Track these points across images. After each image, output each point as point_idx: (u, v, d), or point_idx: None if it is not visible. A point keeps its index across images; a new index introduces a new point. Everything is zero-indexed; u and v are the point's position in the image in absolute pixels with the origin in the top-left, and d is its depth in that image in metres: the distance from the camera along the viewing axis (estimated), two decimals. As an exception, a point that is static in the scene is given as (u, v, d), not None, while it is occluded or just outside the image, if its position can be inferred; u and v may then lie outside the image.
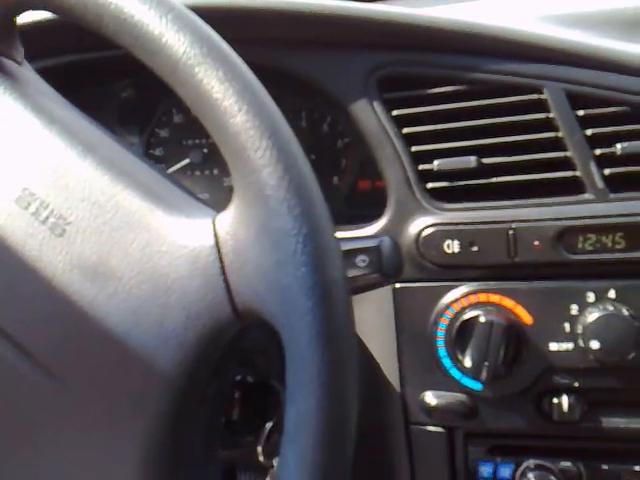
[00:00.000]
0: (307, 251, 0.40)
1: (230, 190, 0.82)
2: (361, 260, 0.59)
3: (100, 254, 0.45)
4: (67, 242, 0.45)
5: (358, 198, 0.81)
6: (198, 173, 0.85)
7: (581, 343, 0.62)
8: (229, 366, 0.52)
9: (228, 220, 0.43)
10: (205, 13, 0.43)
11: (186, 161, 0.85)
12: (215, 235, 0.43)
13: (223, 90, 0.40)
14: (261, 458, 0.60)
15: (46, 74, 0.55)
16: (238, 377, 0.58)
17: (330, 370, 0.40)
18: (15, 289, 0.47)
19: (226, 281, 0.43)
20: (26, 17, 0.51)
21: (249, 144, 0.40)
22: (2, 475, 0.53)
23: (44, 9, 0.46)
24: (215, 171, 0.85)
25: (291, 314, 0.40)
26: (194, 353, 0.44)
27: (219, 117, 0.40)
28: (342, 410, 0.41)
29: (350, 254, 0.61)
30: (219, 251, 0.43)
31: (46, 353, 0.47)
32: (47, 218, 0.46)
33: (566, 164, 0.63)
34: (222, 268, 0.43)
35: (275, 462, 0.63)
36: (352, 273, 0.61)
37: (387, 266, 0.61)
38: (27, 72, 0.52)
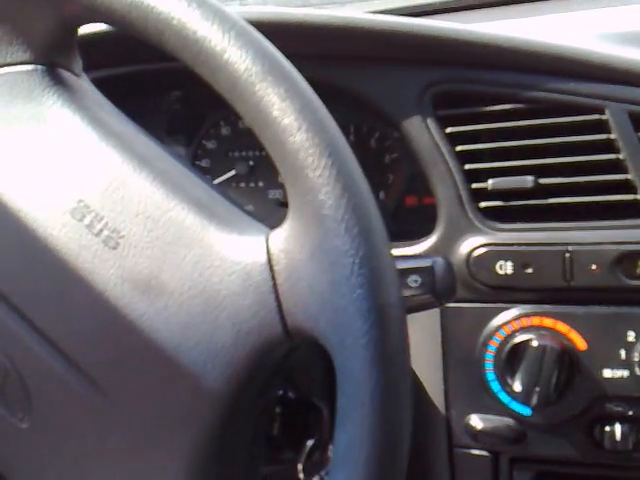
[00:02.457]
0: (363, 272, 0.39)
1: (275, 203, 0.83)
2: (413, 280, 0.58)
3: (152, 268, 0.45)
4: (120, 255, 0.45)
5: (405, 214, 0.80)
6: (243, 185, 0.85)
7: (637, 371, 0.60)
8: (275, 383, 0.51)
9: (282, 238, 0.42)
10: (260, 28, 0.43)
11: (232, 173, 0.85)
12: (268, 252, 0.42)
13: (284, 108, 0.40)
14: (301, 476, 0.60)
15: (96, 85, 0.55)
16: (280, 392, 0.58)
17: (384, 394, 0.39)
18: (66, 300, 0.47)
19: (278, 300, 0.42)
20: (82, 29, 0.52)
21: (308, 162, 0.39)
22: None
23: (105, 22, 0.47)
24: (260, 183, 0.85)
25: (345, 336, 0.39)
26: (243, 370, 0.44)
27: (278, 134, 0.40)
28: (395, 436, 0.40)
29: (402, 274, 0.60)
30: (272, 269, 0.42)
31: (94, 365, 0.47)
32: (101, 231, 0.46)
33: (627, 187, 0.62)
34: (274, 286, 0.42)
35: (315, 480, 0.62)
36: (403, 293, 0.60)
37: (440, 287, 0.60)
38: (85, 84, 0.52)
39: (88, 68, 0.54)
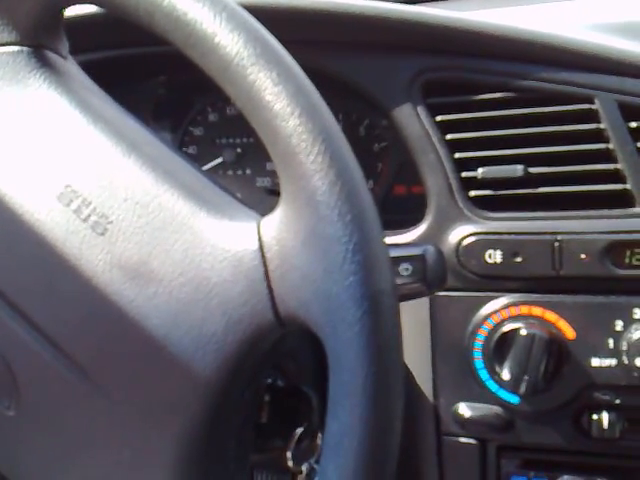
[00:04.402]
0: (357, 259, 0.38)
1: (263, 191, 0.83)
2: (404, 268, 0.57)
3: (141, 254, 0.44)
4: (108, 241, 0.45)
5: (394, 203, 0.80)
6: (230, 173, 0.85)
7: (625, 360, 0.61)
8: (265, 371, 0.51)
9: (274, 224, 0.42)
10: (251, 12, 0.42)
11: (219, 160, 0.84)
12: (259, 239, 0.42)
13: (276, 92, 0.39)
14: (290, 463, 0.60)
15: (83, 69, 0.55)
16: (268, 380, 0.58)
17: (376, 382, 0.39)
18: (53, 287, 0.47)
19: (269, 287, 0.42)
20: (68, 11, 0.51)
21: (301, 148, 0.39)
22: (34, 472, 0.52)
23: (94, 3, 0.46)
24: (248, 171, 0.84)
25: (338, 324, 0.39)
26: (233, 358, 0.43)
27: (270, 119, 0.39)
28: (387, 423, 0.40)
29: (393, 262, 0.59)
30: (263, 256, 0.42)
31: (82, 352, 0.47)
32: (89, 216, 0.45)
33: (616, 176, 0.62)
34: (266, 273, 0.41)
35: (304, 468, 0.62)
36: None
37: (431, 276, 0.60)
38: (72, 67, 0.51)
39: (73, 51, 0.53)
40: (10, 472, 0.54)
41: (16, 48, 0.48)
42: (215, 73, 0.41)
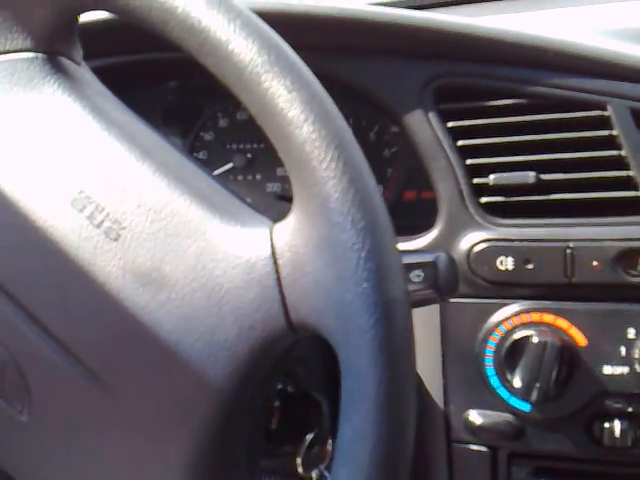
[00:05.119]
0: (369, 267, 0.38)
1: (273, 196, 0.83)
2: (416, 275, 0.57)
3: (154, 260, 0.44)
4: (121, 247, 0.45)
5: (404, 208, 0.80)
6: (241, 178, 0.85)
7: (637, 368, 0.60)
8: (276, 377, 0.51)
9: (286, 231, 0.42)
10: (263, 19, 0.43)
11: (229, 165, 0.84)
12: (272, 246, 0.42)
13: (290, 99, 0.39)
14: (300, 470, 0.60)
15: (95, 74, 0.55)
16: (279, 386, 0.58)
17: (390, 389, 0.39)
18: (66, 292, 0.47)
19: (282, 293, 0.42)
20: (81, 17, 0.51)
21: (314, 155, 0.39)
22: (45, 474, 0.52)
23: (107, 10, 0.46)
24: (258, 176, 0.84)
25: (351, 331, 0.39)
26: (245, 365, 0.43)
27: (284, 126, 0.39)
28: (400, 429, 0.40)
29: (405, 268, 0.59)
30: (276, 262, 0.42)
31: (94, 358, 0.47)
32: (102, 222, 0.45)
33: (628, 183, 0.61)
34: (278, 280, 0.42)
35: (314, 474, 0.62)
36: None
37: (443, 282, 0.60)
38: (85, 73, 0.52)
39: (85, 57, 0.53)
40: (21, 476, 0.54)
41: (31, 55, 0.49)
42: (229, 80, 0.41)
